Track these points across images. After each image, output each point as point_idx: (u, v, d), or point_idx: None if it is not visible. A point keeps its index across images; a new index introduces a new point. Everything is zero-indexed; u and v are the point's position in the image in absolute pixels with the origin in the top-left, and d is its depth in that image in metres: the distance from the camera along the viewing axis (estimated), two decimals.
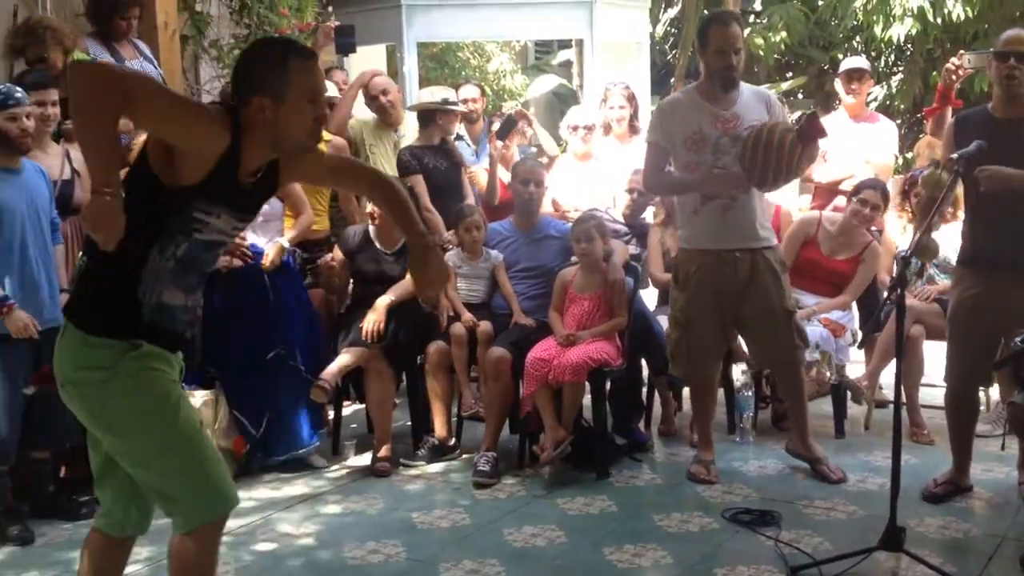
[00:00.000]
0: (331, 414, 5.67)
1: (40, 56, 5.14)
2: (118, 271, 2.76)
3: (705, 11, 13.55)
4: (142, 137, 4.73)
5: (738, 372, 5.62)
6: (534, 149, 7.16)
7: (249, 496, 4.90)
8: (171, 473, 2.83)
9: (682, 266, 4.99)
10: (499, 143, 6.16)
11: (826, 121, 6.57)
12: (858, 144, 6.20)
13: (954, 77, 5.60)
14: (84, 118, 2.67)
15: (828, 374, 5.54)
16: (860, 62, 6.48)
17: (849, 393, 5.71)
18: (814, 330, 5.41)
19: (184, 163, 2.71)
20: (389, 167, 6.00)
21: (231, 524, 4.48)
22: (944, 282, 5.59)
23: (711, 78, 4.82)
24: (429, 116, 6.16)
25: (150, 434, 2.80)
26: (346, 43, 7.14)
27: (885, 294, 4.84)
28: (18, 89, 4.43)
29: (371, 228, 5.54)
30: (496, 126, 6.28)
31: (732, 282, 4.85)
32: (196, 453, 2.84)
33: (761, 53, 12.69)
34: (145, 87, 2.73)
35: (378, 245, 5.52)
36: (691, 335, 4.95)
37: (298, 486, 5.04)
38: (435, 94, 6.26)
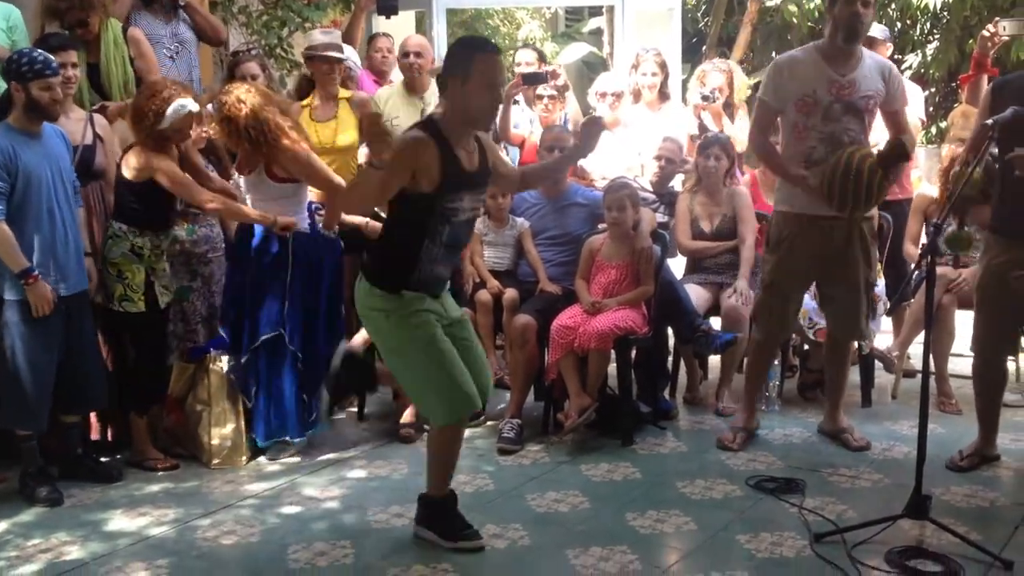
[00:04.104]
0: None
1: (82, 20, 5.13)
2: (402, 255, 3.78)
3: None
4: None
5: None
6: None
7: (275, 460, 4.96)
8: (414, 386, 3.96)
9: (775, 229, 4.90)
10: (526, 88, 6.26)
11: None
12: None
13: (990, 44, 5.52)
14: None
15: (864, 345, 5.49)
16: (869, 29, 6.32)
17: (880, 363, 5.67)
18: None
19: (422, 183, 3.65)
20: None
21: (257, 487, 4.60)
22: (973, 268, 5.51)
23: (836, 32, 4.64)
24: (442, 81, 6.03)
25: (403, 357, 3.89)
26: (388, 5, 7.08)
27: (913, 264, 4.80)
28: (52, 58, 4.42)
29: None
30: (529, 69, 6.32)
31: (825, 249, 4.76)
32: (443, 373, 3.79)
33: (795, 20, 12.52)
34: (384, 181, 3.63)
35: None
36: (775, 298, 4.90)
37: (324, 451, 5.07)
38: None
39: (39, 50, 4.49)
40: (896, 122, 4.86)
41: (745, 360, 5.46)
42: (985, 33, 5.53)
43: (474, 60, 3.66)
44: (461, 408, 3.86)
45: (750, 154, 7.21)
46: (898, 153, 4.55)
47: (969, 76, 5.77)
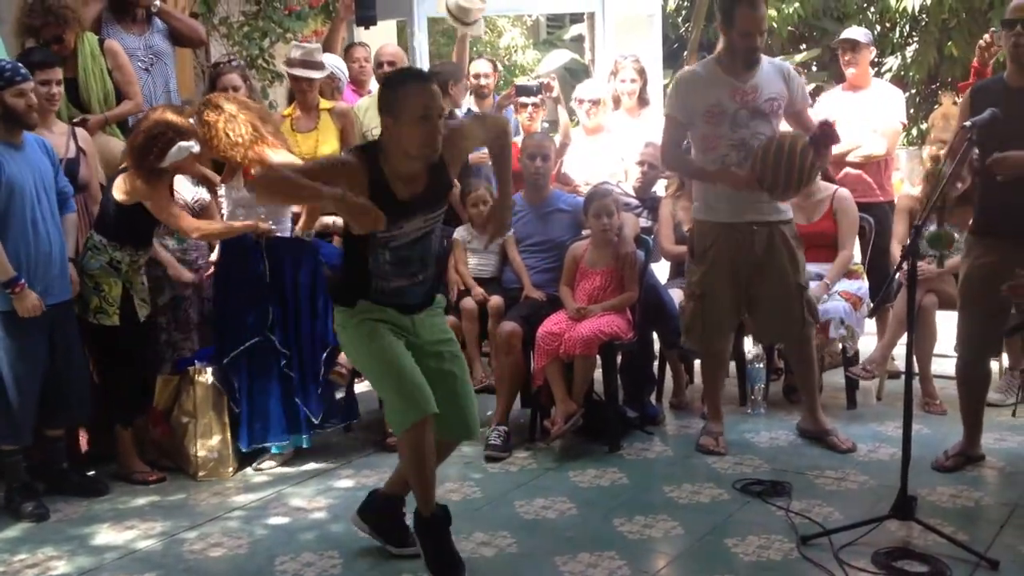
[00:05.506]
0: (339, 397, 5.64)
1: (57, 36, 5.13)
2: (352, 271, 3.73)
3: None
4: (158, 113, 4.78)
5: (750, 344, 5.62)
6: (547, 125, 7.13)
7: (262, 471, 4.95)
8: (379, 390, 3.85)
9: (699, 239, 4.96)
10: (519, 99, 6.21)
11: (830, 93, 6.57)
12: (863, 114, 6.10)
13: (987, 54, 5.57)
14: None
15: (849, 347, 5.52)
16: (852, 33, 6.34)
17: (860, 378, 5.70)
18: (837, 305, 5.39)
19: None
20: None
21: (244, 499, 4.59)
22: (956, 259, 5.54)
23: (733, 56, 4.79)
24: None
25: (362, 363, 3.85)
26: (367, 16, 7.08)
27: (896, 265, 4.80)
28: (20, 65, 4.43)
29: None
30: (523, 80, 6.25)
31: (748, 256, 4.83)
32: (390, 377, 3.65)
33: (775, 25, 12.58)
34: (300, 187, 3.49)
35: None
36: (705, 308, 4.94)
37: (311, 461, 5.06)
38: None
39: (6, 59, 4.48)
40: (801, 122, 4.95)
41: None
42: (982, 43, 5.59)
43: (399, 96, 3.52)
44: (409, 415, 3.62)
45: None
46: (828, 132, 4.62)
47: (968, 84, 5.80)
